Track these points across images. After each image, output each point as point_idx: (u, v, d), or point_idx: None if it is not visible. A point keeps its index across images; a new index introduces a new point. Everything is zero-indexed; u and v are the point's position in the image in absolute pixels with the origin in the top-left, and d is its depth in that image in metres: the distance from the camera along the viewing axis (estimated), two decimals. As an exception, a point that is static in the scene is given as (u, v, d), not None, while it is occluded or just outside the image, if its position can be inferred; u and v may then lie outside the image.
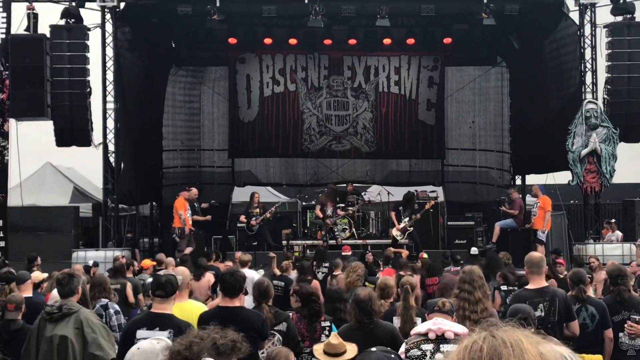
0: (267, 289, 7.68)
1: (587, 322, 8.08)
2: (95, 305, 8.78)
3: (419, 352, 5.60)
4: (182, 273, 7.48)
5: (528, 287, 7.84)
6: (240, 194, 24.63)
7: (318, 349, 5.78)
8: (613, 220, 20.75)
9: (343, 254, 16.31)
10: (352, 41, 22.85)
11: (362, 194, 23.26)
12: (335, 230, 20.08)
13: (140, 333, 5.81)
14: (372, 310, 6.98)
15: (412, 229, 19.43)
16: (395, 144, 24.66)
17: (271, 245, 19.76)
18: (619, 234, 20.06)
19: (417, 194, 21.32)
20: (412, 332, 5.82)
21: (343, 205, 20.71)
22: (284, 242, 20.49)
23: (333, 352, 5.63)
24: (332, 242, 19.58)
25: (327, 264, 14.62)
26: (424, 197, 21.62)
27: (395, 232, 19.50)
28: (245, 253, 14.79)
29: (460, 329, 5.41)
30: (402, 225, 19.40)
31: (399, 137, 24.65)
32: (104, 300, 9.00)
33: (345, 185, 22.68)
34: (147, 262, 15.20)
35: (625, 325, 7.88)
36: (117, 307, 9.14)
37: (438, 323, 5.75)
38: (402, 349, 5.67)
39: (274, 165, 25.40)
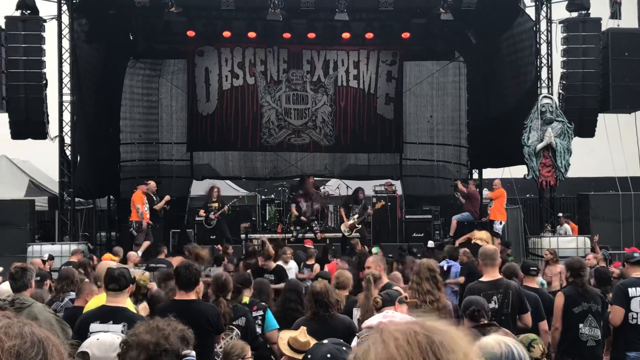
0: (225, 283, 7.62)
1: None
2: (63, 298, 8.63)
3: (372, 345, 5.62)
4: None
5: (482, 279, 7.95)
6: (198, 188, 24.51)
7: (284, 338, 5.65)
8: (560, 214, 20.93)
9: (306, 246, 16.46)
10: (311, 35, 22.76)
11: (321, 187, 23.32)
12: (314, 225, 20.23)
13: (94, 326, 5.78)
14: (329, 303, 7.00)
15: (360, 226, 19.52)
16: (353, 137, 24.71)
17: (229, 239, 19.73)
18: (567, 227, 20.33)
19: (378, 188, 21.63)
20: (364, 325, 5.82)
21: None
22: (243, 236, 20.46)
23: (297, 348, 5.52)
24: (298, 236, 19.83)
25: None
26: (390, 190, 21.79)
27: (343, 228, 19.61)
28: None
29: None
30: (350, 222, 19.48)
31: (357, 131, 24.70)
32: (73, 294, 8.67)
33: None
34: (108, 257, 14.99)
35: None
36: None
37: (389, 316, 5.78)
38: (354, 342, 5.69)
39: (233, 158, 25.28)
